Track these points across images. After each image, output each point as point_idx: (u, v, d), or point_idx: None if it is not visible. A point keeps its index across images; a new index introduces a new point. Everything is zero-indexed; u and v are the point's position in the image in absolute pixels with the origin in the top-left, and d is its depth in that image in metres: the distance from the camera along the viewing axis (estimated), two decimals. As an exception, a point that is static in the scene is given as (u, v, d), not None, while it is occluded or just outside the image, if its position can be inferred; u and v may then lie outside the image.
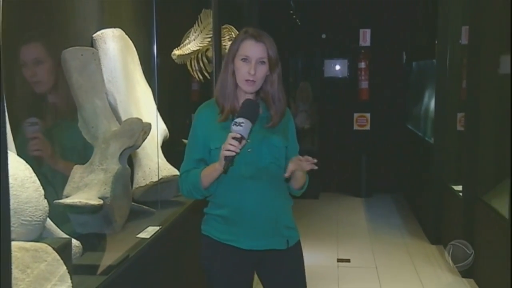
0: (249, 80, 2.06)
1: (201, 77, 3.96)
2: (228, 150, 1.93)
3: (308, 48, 7.84)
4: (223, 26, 4.07)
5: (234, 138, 1.94)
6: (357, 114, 7.32)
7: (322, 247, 5.13)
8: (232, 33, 4.23)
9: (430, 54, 5.71)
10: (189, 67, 3.94)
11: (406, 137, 7.33)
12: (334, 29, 7.60)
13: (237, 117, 1.99)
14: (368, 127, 7.36)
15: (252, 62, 2.05)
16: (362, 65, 7.25)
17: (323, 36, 7.68)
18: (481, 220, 4.13)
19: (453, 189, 4.76)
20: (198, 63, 3.92)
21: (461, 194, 4.52)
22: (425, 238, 5.45)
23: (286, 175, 2.05)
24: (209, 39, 3.71)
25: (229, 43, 4.21)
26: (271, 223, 2.12)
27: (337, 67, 7.85)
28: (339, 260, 4.78)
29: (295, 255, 2.22)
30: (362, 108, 7.37)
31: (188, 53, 3.72)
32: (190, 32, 3.83)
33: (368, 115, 7.34)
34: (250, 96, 2.12)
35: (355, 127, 7.39)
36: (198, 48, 3.74)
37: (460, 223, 4.45)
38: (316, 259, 4.79)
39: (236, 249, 2.11)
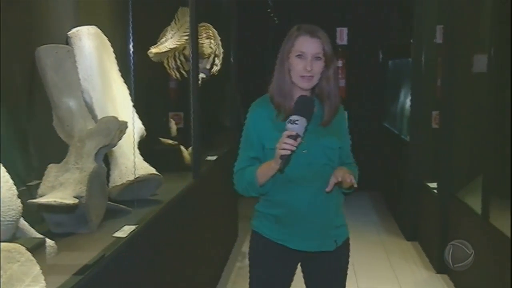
0: (304, 76, 2.05)
1: (178, 76, 3.96)
2: (284, 149, 1.92)
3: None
4: (201, 24, 4.07)
5: (289, 136, 1.92)
6: (334, 112, 7.37)
7: (299, 244, 5.15)
8: (210, 31, 4.23)
9: (406, 53, 5.77)
10: (166, 65, 3.93)
11: (382, 135, 7.40)
12: (312, 27, 7.62)
13: (292, 114, 1.96)
14: (345, 125, 7.40)
15: (308, 58, 2.04)
16: (339, 63, 7.30)
17: (301, 34, 7.70)
18: (455, 216, 4.19)
19: (429, 186, 4.82)
20: (175, 61, 3.91)
21: (436, 191, 4.58)
22: (401, 235, 5.52)
23: (328, 189, 2.04)
24: (186, 37, 3.70)
25: (207, 41, 4.23)
26: (322, 225, 2.14)
27: (314, 66, 7.87)
28: (316, 258, 4.81)
29: (341, 255, 2.24)
30: (339, 106, 7.40)
31: (165, 51, 3.71)
32: (167, 30, 3.82)
33: (345, 113, 7.38)
34: (305, 93, 2.09)
35: (333, 125, 7.43)
36: (175, 46, 3.73)
37: (435, 219, 4.51)
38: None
39: (285, 248, 2.15)
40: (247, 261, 4.98)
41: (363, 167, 8.47)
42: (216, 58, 4.30)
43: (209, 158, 4.38)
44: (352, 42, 7.28)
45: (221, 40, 4.38)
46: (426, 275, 4.43)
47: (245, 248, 5.17)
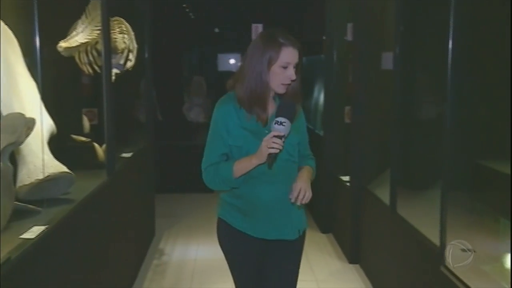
0: (285, 83, 2.21)
1: (91, 71, 3.85)
2: (272, 148, 2.07)
3: (201, 42, 7.84)
4: (113, 19, 3.98)
5: (277, 136, 2.07)
6: (251, 108, 7.44)
7: (217, 240, 5.15)
8: (123, 26, 4.14)
9: (319, 49, 5.91)
10: (77, 60, 3.80)
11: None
12: (227, 23, 7.65)
13: (279, 116, 2.11)
14: (261, 121, 7.48)
15: (291, 67, 2.19)
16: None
17: (216, 30, 7.71)
18: (366, 208, 4.36)
19: (342, 179, 4.98)
20: (87, 56, 3.80)
21: (348, 184, 4.73)
22: (316, 227, 5.66)
23: (292, 201, 2.20)
24: (98, 32, 3.60)
25: (120, 36, 4.14)
26: (285, 215, 2.29)
27: (231, 61, 7.92)
28: (234, 252, 4.84)
29: (300, 243, 2.40)
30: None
31: (76, 46, 3.60)
32: (77, 23, 3.70)
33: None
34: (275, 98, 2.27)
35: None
36: (86, 40, 3.62)
37: (348, 212, 4.67)
38: (211, 252, 4.84)
39: (248, 236, 2.29)
40: (164, 258, 4.98)
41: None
42: (130, 53, 4.21)
43: (124, 155, 4.30)
44: (268, 39, 7.36)
45: (135, 35, 4.31)
46: (339, 265, 4.58)
47: (163, 245, 5.12)
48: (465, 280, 2.42)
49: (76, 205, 2.75)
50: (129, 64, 4.21)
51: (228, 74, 8.98)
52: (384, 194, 3.80)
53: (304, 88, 7.33)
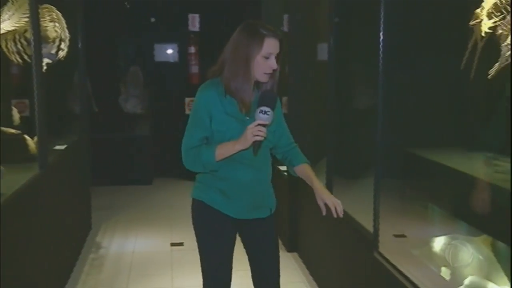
0: (268, 73, 2.29)
1: (20, 60, 3.71)
2: (257, 136, 2.17)
3: (137, 31, 7.70)
4: (42, 6, 3.85)
5: (262, 125, 2.17)
6: (189, 99, 7.34)
7: (155, 232, 5.12)
8: (53, 14, 4.02)
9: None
10: (4, 49, 3.66)
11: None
12: (164, 13, 7.54)
13: (262, 105, 2.20)
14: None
15: (272, 57, 2.28)
16: (192, 50, 7.31)
17: (152, 20, 7.59)
18: (303, 197, 4.42)
19: (279, 169, 5.02)
20: (15, 44, 3.67)
21: (286, 173, 4.78)
22: (255, 217, 5.70)
23: (335, 216, 2.35)
24: (27, 19, 3.47)
25: (51, 24, 4.01)
26: (262, 196, 2.46)
27: (168, 52, 7.83)
28: (172, 244, 4.81)
29: (272, 220, 2.55)
30: (193, 93, 7.33)
31: (3, 34, 3.46)
32: (3, 10, 3.55)
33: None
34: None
35: (187, 112, 7.45)
36: (13, 28, 3.50)
37: (286, 201, 4.72)
38: (149, 244, 4.78)
39: (227, 217, 2.39)
40: (101, 251, 4.90)
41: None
42: (62, 43, 4.10)
43: (58, 147, 4.18)
44: (204, 29, 7.31)
45: (67, 24, 4.18)
46: (278, 254, 4.63)
47: (99, 239, 5.03)
48: (397, 265, 2.51)
49: (5, 200, 2.66)
50: (61, 54, 4.09)
51: (165, 64, 8.84)
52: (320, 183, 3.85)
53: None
